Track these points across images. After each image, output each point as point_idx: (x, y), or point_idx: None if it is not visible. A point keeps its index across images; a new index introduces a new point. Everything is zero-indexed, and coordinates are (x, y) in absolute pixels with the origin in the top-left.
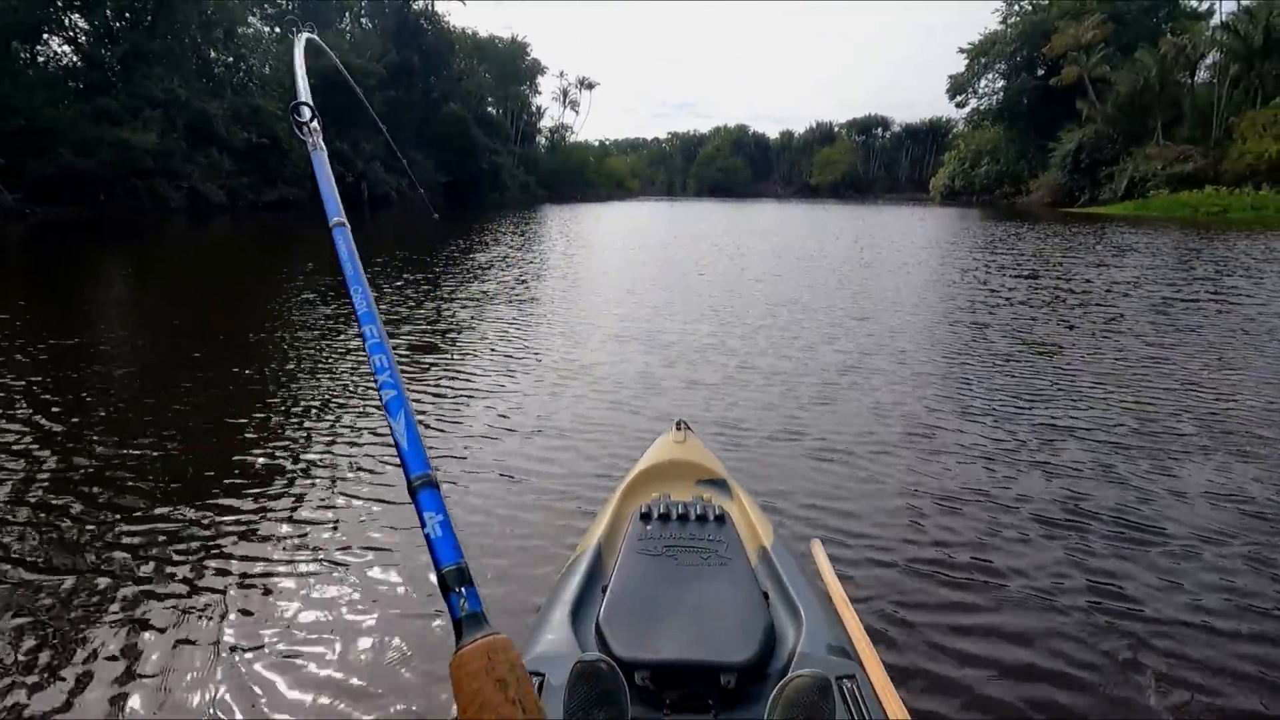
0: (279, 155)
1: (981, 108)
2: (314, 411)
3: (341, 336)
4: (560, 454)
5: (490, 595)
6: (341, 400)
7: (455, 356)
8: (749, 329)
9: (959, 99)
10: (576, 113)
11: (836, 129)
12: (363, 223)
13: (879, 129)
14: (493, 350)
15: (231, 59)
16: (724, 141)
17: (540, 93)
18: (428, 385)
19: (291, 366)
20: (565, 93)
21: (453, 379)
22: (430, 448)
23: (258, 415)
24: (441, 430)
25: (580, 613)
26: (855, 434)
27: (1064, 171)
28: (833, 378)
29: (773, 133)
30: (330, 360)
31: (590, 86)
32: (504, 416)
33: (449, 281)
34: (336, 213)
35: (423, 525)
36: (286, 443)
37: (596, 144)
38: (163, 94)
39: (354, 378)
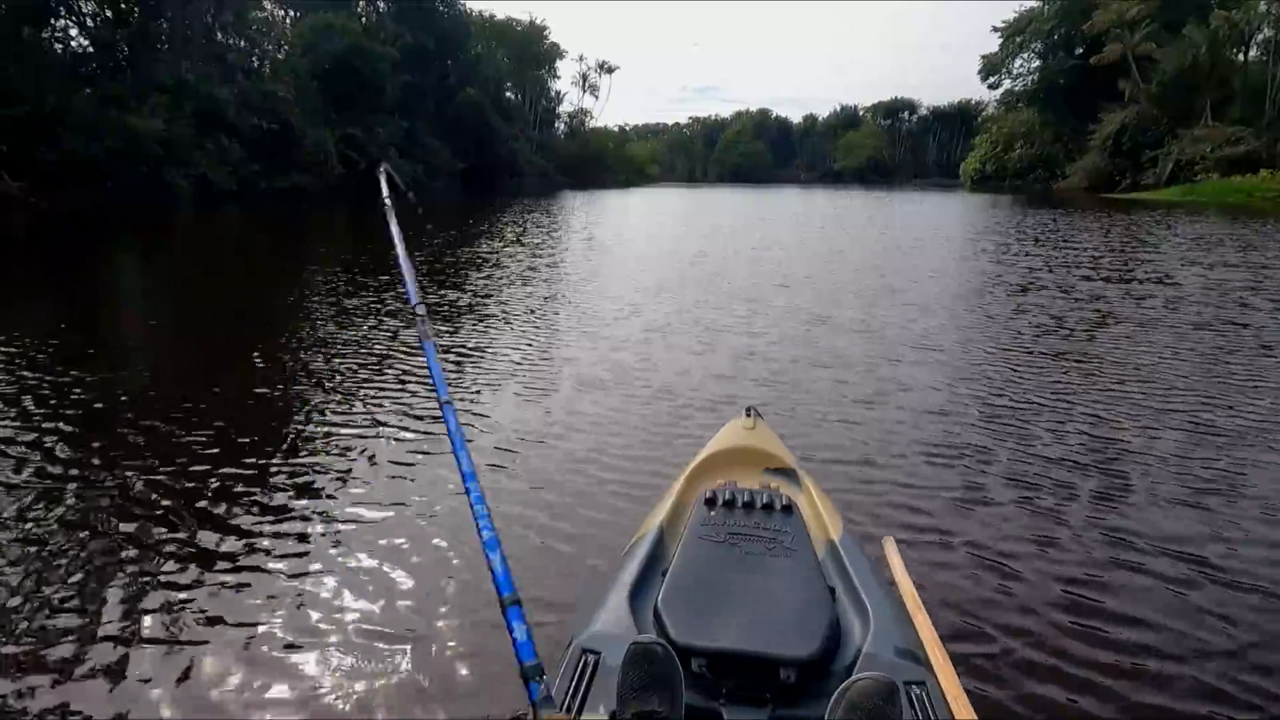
0: (291, 142)
1: (1016, 89)
2: (345, 407)
3: (365, 331)
4: (624, 437)
5: (551, 575)
6: (369, 392)
7: (525, 337)
8: (817, 318)
9: (992, 80)
10: (596, 97)
11: (861, 112)
12: (380, 213)
13: (905, 112)
14: (555, 331)
15: (244, 43)
16: (746, 126)
17: (559, 77)
18: (498, 364)
19: (316, 364)
20: (584, 77)
21: (522, 361)
22: (494, 432)
23: (286, 413)
24: (508, 412)
25: (639, 595)
26: (936, 432)
27: (1104, 155)
28: (914, 373)
29: (796, 117)
30: (359, 354)
31: (610, 70)
32: (565, 399)
33: (488, 269)
34: (444, 393)
35: (511, 632)
36: (317, 435)
37: (616, 129)
38: (171, 79)
39: (380, 368)
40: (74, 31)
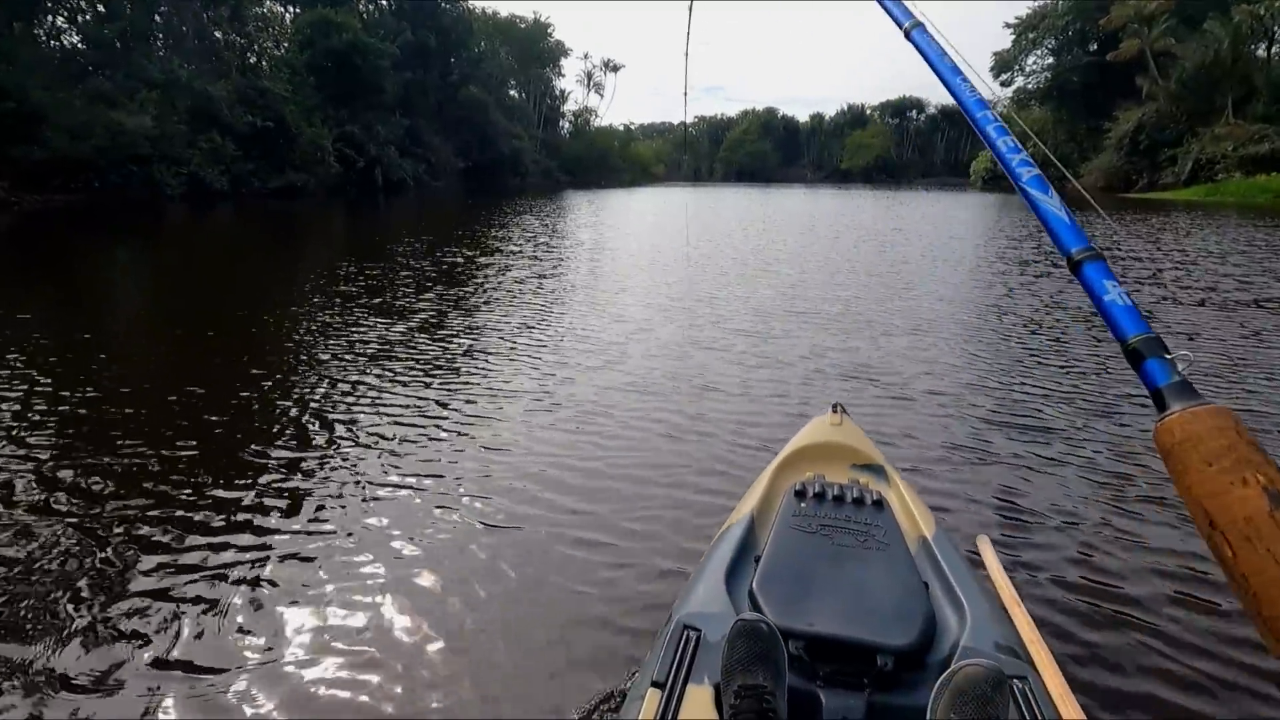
0: (287, 140)
1: (1029, 86)
2: (338, 408)
3: (359, 331)
4: (710, 427)
5: (641, 553)
6: (365, 394)
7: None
8: (893, 316)
9: (1004, 77)
10: (601, 96)
11: (868, 111)
12: (376, 211)
13: (913, 111)
14: (624, 327)
15: (240, 40)
16: (752, 125)
17: (564, 75)
18: (593, 352)
19: (305, 367)
20: (589, 75)
21: (611, 350)
22: (587, 409)
23: (275, 413)
24: (595, 399)
25: (734, 578)
26: (1031, 430)
27: (1120, 154)
28: (1000, 369)
29: (802, 116)
30: (351, 356)
31: (615, 69)
32: (645, 391)
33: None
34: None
35: (1100, 295)
36: (312, 438)
37: (621, 128)
38: (161, 74)
39: (376, 369)
40: (63, 26)
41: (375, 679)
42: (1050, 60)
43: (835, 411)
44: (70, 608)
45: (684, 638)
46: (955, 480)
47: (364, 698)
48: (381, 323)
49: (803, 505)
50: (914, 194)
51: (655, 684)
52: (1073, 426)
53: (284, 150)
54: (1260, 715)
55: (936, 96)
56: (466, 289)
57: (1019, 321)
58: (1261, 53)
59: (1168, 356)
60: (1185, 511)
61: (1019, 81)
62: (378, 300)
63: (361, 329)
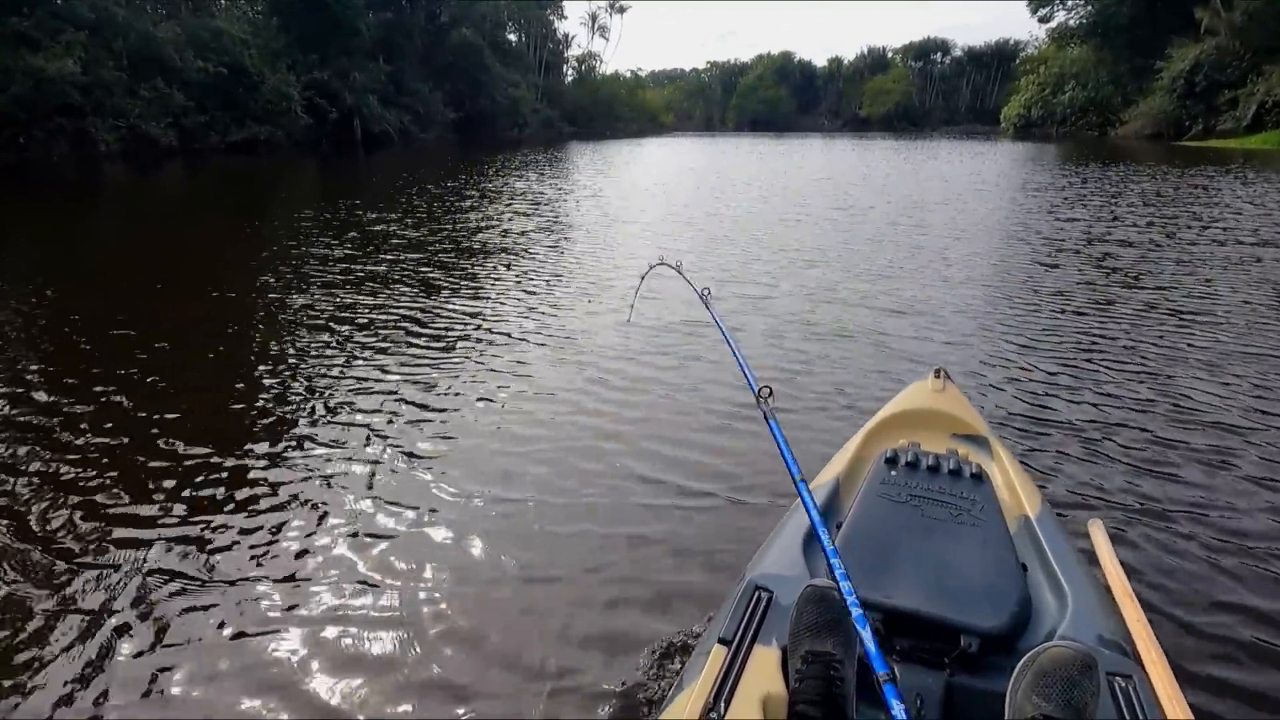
0: (247, 88)
1: (1070, 22)
2: (305, 398)
3: (336, 304)
4: (802, 387)
5: (718, 514)
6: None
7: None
8: (1008, 276)
9: (1042, 12)
10: (606, 40)
11: (890, 55)
12: (355, 166)
13: (938, 54)
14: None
15: None
16: (766, 70)
17: (566, 18)
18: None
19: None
20: (594, 17)
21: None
22: (672, 366)
23: (249, 402)
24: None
25: (813, 543)
26: (1164, 410)
27: (1172, 97)
28: (1130, 342)
29: (820, 60)
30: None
31: (621, 10)
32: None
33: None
34: (797, 472)
35: (890, 711)
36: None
37: (629, 75)
38: (91, 13)
39: (353, 364)
40: None
41: (436, 629)
42: None
43: (938, 376)
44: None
45: (755, 598)
46: (1069, 458)
47: (424, 657)
48: (362, 294)
49: (893, 473)
50: (948, 144)
51: (722, 641)
52: (1216, 409)
53: (244, 100)
54: None
55: (964, 37)
56: (458, 253)
57: (1152, 291)
58: None
59: None
60: None
61: (1059, 17)
62: (354, 268)
63: (337, 302)
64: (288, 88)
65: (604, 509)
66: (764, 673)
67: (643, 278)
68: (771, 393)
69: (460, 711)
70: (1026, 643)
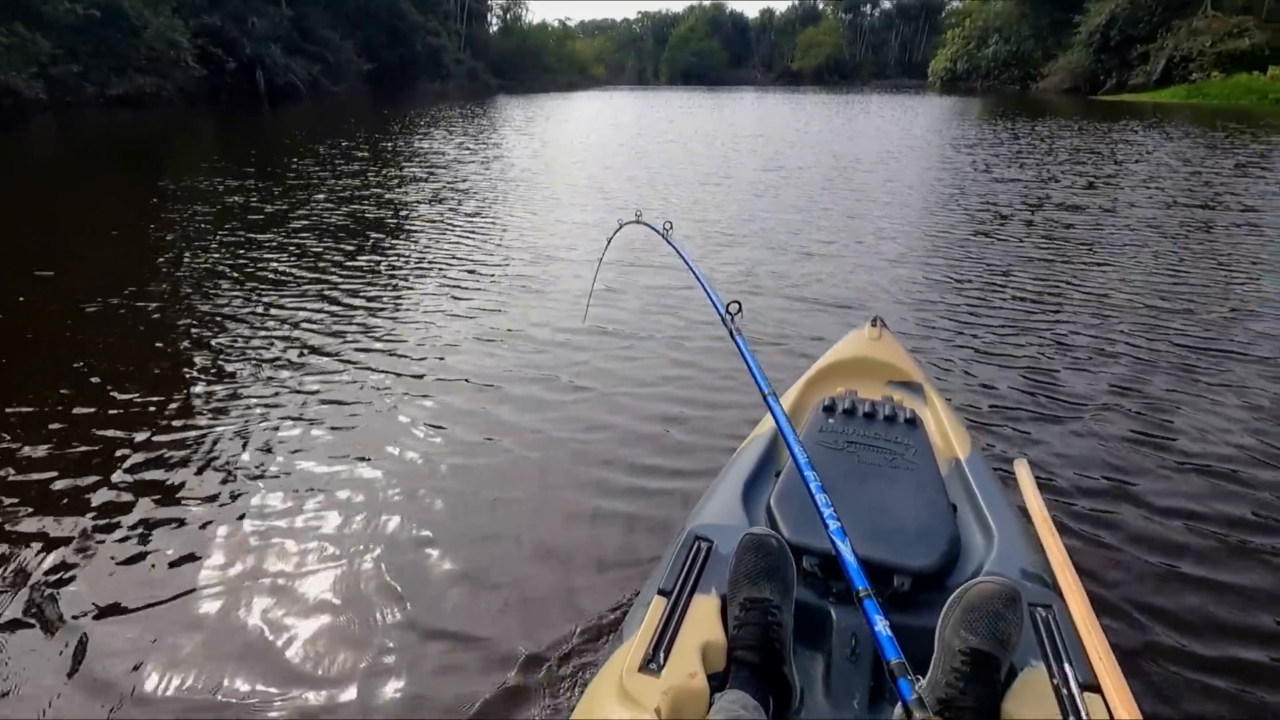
0: (125, 32)
1: None
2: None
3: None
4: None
5: (669, 465)
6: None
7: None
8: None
9: None
10: None
11: (822, 5)
12: (258, 122)
13: (867, 5)
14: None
15: None
16: (699, 21)
17: None
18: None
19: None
20: None
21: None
22: (610, 331)
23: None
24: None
25: (752, 492)
26: (1086, 352)
27: (1089, 51)
28: (1060, 289)
29: (752, 11)
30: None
31: None
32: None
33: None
34: (766, 387)
35: (872, 626)
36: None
37: (557, 24)
38: None
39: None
40: None
41: (373, 590)
42: None
43: (874, 325)
44: None
45: (694, 548)
46: (999, 403)
47: (360, 616)
48: (279, 252)
49: (831, 421)
50: (879, 98)
51: (662, 592)
52: (1141, 360)
53: (124, 47)
54: None
55: None
56: (379, 216)
57: (1083, 246)
58: None
59: (911, 678)
60: (1250, 458)
61: None
62: (265, 238)
63: (250, 265)
64: (174, 34)
65: (561, 463)
66: (703, 621)
67: (609, 240)
68: (740, 308)
69: (404, 674)
70: (956, 579)
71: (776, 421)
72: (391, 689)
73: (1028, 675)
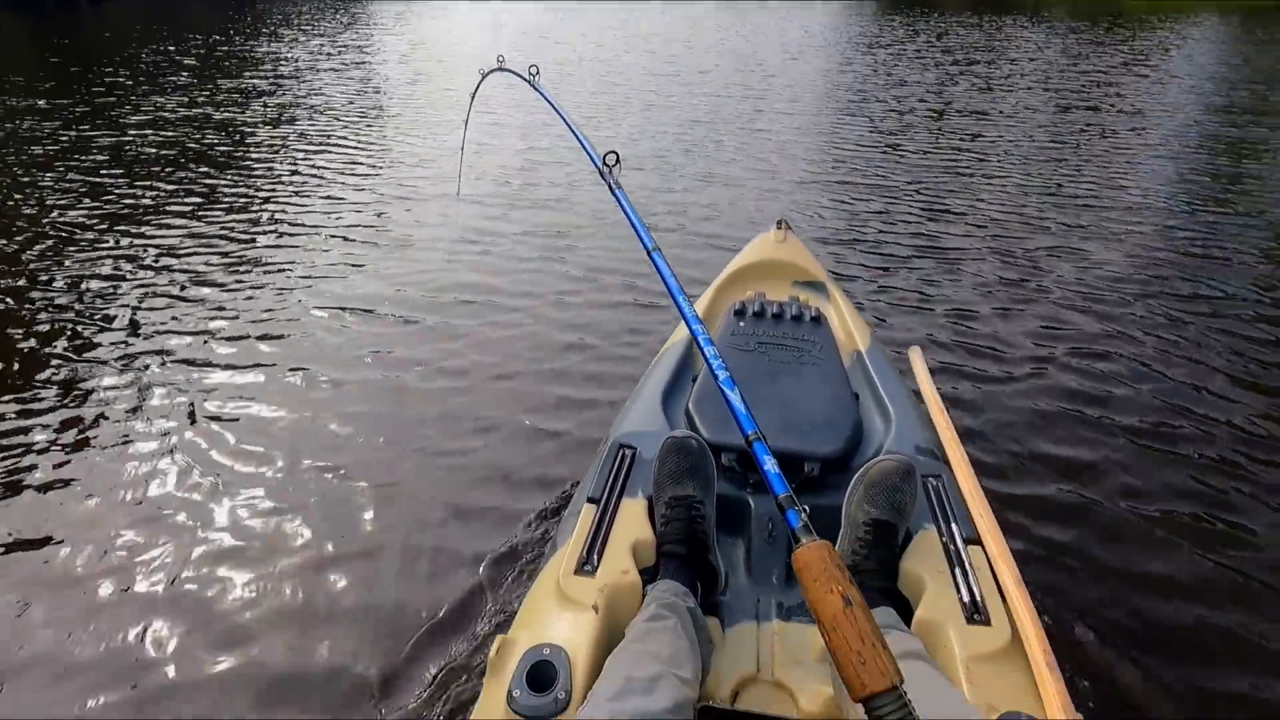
0: None
1: None
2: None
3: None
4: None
5: (589, 376)
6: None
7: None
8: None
9: None
10: None
11: None
12: (76, 25)
13: None
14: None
15: None
16: None
17: None
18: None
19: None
20: None
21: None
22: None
23: None
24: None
25: (671, 398)
26: (975, 249)
27: None
28: (953, 188)
29: None
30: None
31: None
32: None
33: None
34: (650, 241)
35: (761, 466)
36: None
37: None
38: None
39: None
40: None
41: (301, 523)
42: None
43: (779, 228)
44: None
45: (620, 456)
46: (896, 297)
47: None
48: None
49: (742, 324)
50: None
51: (591, 500)
52: (1025, 251)
53: None
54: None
55: None
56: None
57: (977, 145)
58: None
59: (799, 508)
60: (1111, 329)
61: None
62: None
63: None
64: None
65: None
66: (632, 523)
67: (473, 95)
68: (619, 159)
69: (336, 597)
70: (859, 461)
71: (689, 325)
72: (333, 610)
73: (921, 536)
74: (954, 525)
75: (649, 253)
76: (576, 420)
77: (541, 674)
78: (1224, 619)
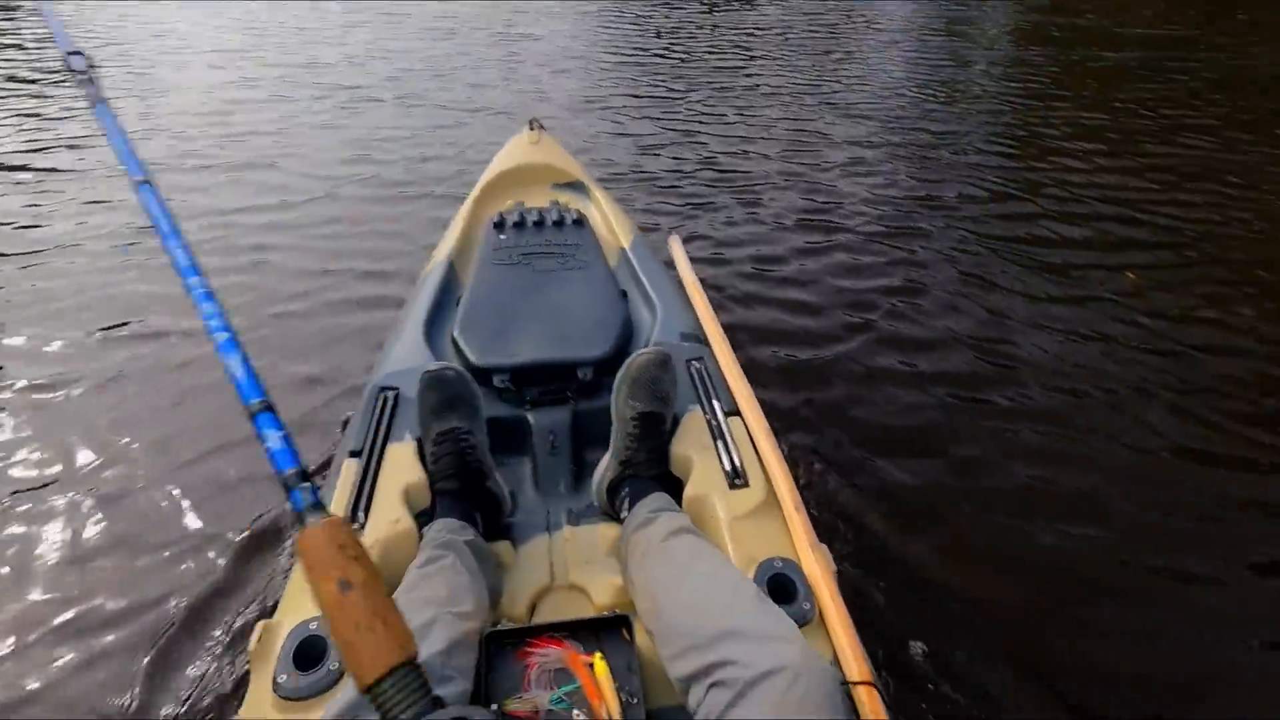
0: None
1: None
2: None
3: None
4: (402, 166)
5: (341, 325)
6: None
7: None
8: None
9: None
10: None
11: None
12: None
13: None
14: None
15: None
16: None
17: None
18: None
19: None
20: None
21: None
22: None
23: None
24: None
25: (435, 328)
26: (731, 137)
27: None
28: (706, 75)
29: None
30: None
31: None
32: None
33: None
34: (138, 171)
35: (264, 442)
36: None
37: None
38: None
39: None
40: None
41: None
42: None
43: (532, 128)
44: None
45: (380, 400)
46: (656, 191)
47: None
48: None
49: (502, 237)
50: None
51: (352, 454)
52: (775, 142)
53: None
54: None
55: None
56: None
57: (731, 45)
58: None
59: (305, 487)
60: (850, 226)
61: None
62: None
63: None
64: None
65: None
66: (400, 468)
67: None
68: (91, 61)
69: (81, 604)
70: (629, 356)
71: (181, 276)
72: (79, 620)
73: (688, 417)
74: (715, 401)
75: (135, 185)
76: (330, 365)
77: (310, 650)
78: (945, 453)
